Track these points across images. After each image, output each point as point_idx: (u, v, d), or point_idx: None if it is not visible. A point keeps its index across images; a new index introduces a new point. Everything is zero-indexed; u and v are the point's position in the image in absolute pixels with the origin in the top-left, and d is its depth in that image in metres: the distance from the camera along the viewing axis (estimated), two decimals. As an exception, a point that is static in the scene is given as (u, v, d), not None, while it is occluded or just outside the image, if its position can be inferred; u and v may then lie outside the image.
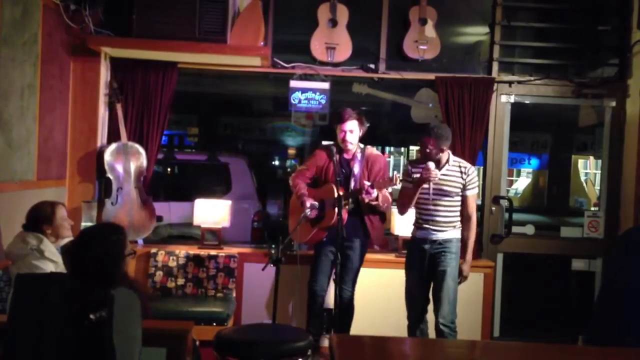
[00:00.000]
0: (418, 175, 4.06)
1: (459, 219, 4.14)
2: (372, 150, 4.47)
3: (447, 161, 4.09)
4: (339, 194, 4.04)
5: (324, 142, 4.72)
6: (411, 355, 2.22)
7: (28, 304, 2.37)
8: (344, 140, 4.28)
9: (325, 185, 4.34)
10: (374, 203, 4.19)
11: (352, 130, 4.27)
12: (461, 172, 4.09)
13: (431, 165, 3.96)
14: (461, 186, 4.08)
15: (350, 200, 4.24)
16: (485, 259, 5.07)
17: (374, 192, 4.08)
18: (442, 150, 4.06)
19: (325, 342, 4.53)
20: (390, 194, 4.36)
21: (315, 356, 4.28)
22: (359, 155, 4.32)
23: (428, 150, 4.03)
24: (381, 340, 2.37)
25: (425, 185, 4.05)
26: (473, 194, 4.13)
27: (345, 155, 4.36)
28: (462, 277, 4.16)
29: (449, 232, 4.09)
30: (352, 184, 4.19)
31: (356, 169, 4.28)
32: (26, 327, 2.32)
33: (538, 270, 5.90)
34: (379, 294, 4.80)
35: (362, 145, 4.38)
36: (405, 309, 4.23)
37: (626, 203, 5.01)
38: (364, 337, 2.87)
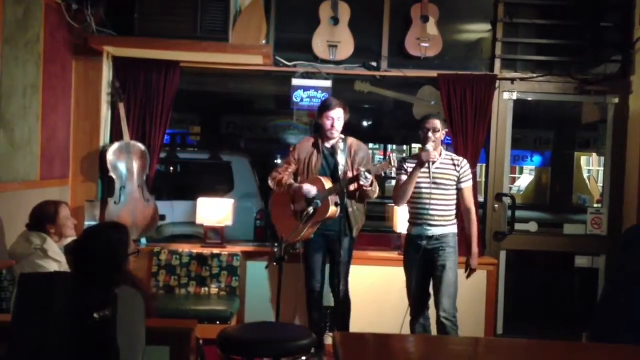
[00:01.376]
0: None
1: (454, 213, 4.13)
2: (353, 139, 4.43)
3: (440, 154, 4.09)
4: (340, 187, 4.02)
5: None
6: (415, 352, 2.22)
7: (32, 304, 2.38)
8: (332, 127, 4.24)
9: (311, 178, 4.31)
10: (367, 189, 4.17)
11: (339, 117, 4.26)
12: (454, 164, 4.09)
13: (429, 146, 3.97)
14: (456, 179, 4.07)
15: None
16: (489, 256, 5.07)
17: (370, 178, 4.06)
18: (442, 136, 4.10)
19: (329, 340, 4.53)
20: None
21: (318, 354, 4.28)
22: (341, 145, 4.28)
23: (436, 130, 4.00)
24: (385, 337, 2.37)
25: (423, 180, 4.05)
26: (468, 186, 4.12)
27: (327, 145, 4.34)
28: (470, 270, 4.13)
29: (445, 228, 4.06)
30: (341, 174, 4.17)
31: (341, 159, 4.25)
32: (30, 327, 2.33)
33: (541, 267, 5.90)
34: (381, 292, 4.80)
35: (342, 136, 4.34)
36: (407, 305, 4.23)
37: (629, 200, 5.00)
38: (368, 335, 2.87)
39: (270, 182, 4.45)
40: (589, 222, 5.19)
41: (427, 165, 4.01)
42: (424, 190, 4.07)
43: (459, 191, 4.10)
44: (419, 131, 4.11)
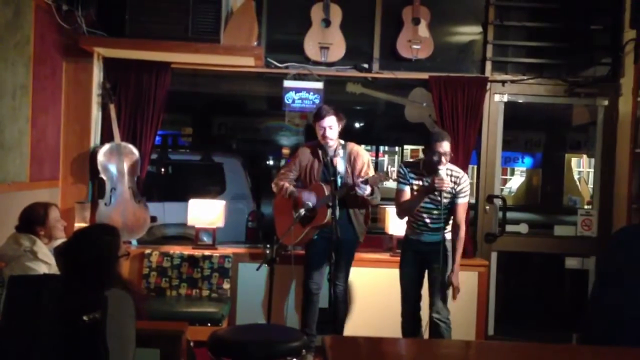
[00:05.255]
0: (418, 182, 4.07)
1: (450, 222, 4.13)
2: (354, 145, 4.47)
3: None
4: (332, 193, 4.04)
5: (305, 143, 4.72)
6: (405, 356, 2.22)
7: (21, 306, 2.37)
8: (324, 136, 4.28)
9: (312, 184, 4.34)
10: (368, 197, 4.21)
11: (331, 126, 4.28)
12: (453, 181, 4.02)
13: (443, 174, 3.87)
14: (452, 194, 4.03)
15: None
16: (480, 257, 5.09)
17: (368, 188, 4.09)
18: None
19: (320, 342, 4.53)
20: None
21: (309, 356, 4.28)
22: (341, 152, 4.32)
23: (445, 154, 3.90)
24: (375, 341, 2.37)
25: (427, 200, 4.02)
26: (463, 202, 4.02)
27: (327, 152, 4.33)
28: (454, 289, 4.02)
29: (441, 235, 4.07)
30: (338, 181, 4.20)
31: (340, 165, 4.28)
32: (19, 329, 2.32)
33: (532, 268, 5.92)
34: (373, 293, 4.81)
35: (342, 142, 4.38)
36: (399, 306, 4.24)
37: (619, 201, 5.03)
38: (358, 338, 2.87)
39: (273, 188, 4.50)
40: (579, 223, 5.22)
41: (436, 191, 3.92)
42: (424, 207, 4.06)
43: (453, 205, 4.04)
44: (431, 154, 3.92)
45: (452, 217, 4.09)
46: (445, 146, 3.93)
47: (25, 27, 4.05)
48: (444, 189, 3.88)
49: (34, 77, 4.18)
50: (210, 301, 4.70)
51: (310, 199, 4.23)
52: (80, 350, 2.27)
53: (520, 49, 5.29)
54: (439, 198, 3.94)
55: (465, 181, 4.07)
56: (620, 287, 2.52)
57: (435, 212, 4.03)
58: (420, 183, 4.08)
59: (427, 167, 4.04)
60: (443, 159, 3.91)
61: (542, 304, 5.73)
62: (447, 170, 4.00)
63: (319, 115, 4.30)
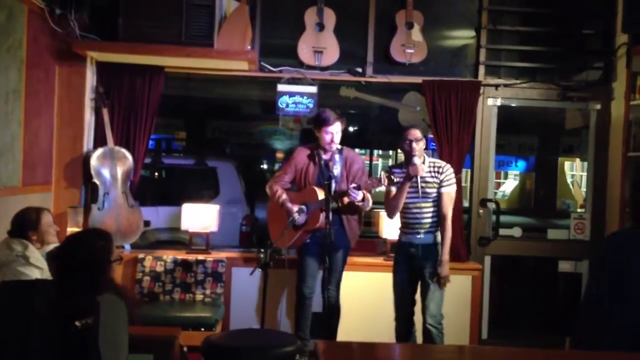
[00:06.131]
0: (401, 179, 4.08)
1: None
2: (350, 150, 4.47)
3: (424, 162, 4.06)
4: (327, 197, 4.04)
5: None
6: (399, 360, 2.22)
7: (13, 311, 2.35)
8: (331, 142, 4.27)
9: (306, 188, 4.34)
10: (359, 204, 4.20)
11: (338, 132, 4.28)
12: (437, 171, 4.07)
13: (416, 160, 3.93)
14: (437, 185, 4.06)
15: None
16: (473, 261, 5.09)
17: (360, 194, 4.09)
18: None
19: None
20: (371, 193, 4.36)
21: (303, 360, 4.27)
22: (337, 156, 4.31)
23: (416, 140, 3.98)
24: (368, 346, 2.36)
25: (412, 192, 4.05)
26: (447, 191, 4.04)
27: (324, 156, 4.35)
28: (441, 278, 3.99)
29: (436, 235, 4.09)
30: (334, 186, 4.19)
31: (336, 170, 4.27)
32: (11, 335, 2.30)
33: (525, 272, 5.93)
34: (367, 297, 4.81)
35: (339, 146, 4.37)
36: (392, 310, 4.24)
37: (612, 205, 5.05)
38: (351, 344, 2.87)
39: (267, 191, 4.48)
40: (572, 227, 5.23)
41: (414, 178, 3.99)
42: (413, 202, 4.08)
43: (439, 195, 4.07)
44: (403, 145, 4.04)
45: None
46: (414, 134, 4.02)
47: (17, 31, 4.04)
48: (419, 173, 3.93)
49: (26, 81, 4.16)
50: (204, 306, 4.69)
51: (300, 215, 4.23)
52: (73, 356, 2.25)
53: (513, 53, 5.31)
54: (417, 185, 4.02)
55: (448, 170, 4.09)
56: (613, 291, 2.53)
57: (419, 201, 4.06)
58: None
59: (406, 161, 4.09)
60: (414, 145, 3.98)
61: (535, 308, 5.74)
62: (429, 163, 4.07)
63: (326, 121, 4.24)
